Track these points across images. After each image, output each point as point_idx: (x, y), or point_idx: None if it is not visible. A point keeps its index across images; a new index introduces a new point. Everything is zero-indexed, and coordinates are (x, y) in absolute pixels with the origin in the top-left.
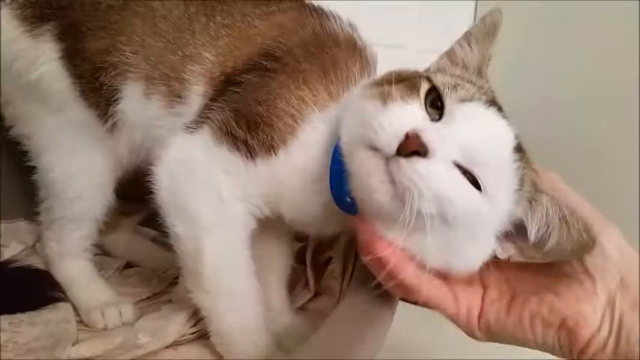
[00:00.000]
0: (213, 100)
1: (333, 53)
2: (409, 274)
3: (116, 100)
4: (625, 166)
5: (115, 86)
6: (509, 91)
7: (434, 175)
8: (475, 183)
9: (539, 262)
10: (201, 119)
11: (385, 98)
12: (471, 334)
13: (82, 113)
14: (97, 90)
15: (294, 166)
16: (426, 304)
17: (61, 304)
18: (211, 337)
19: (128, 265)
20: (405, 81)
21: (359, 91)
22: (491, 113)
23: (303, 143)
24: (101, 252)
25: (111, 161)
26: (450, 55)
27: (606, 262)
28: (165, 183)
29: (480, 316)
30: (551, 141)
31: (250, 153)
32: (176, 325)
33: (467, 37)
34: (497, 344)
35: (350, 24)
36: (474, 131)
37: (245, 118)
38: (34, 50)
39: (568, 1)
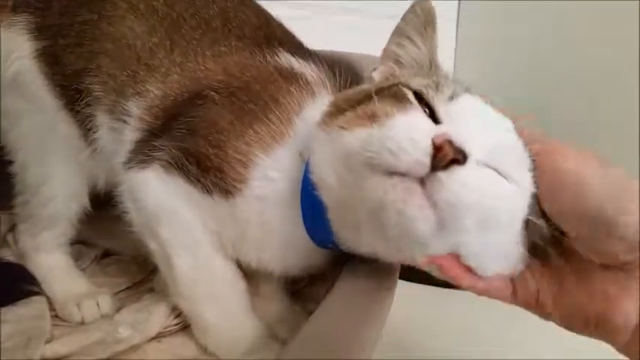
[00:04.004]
0: (154, 134)
1: (272, 89)
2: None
3: (92, 128)
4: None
5: (91, 113)
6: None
7: (481, 181)
8: None
9: None
10: (147, 157)
11: (374, 118)
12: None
13: (64, 124)
14: (78, 112)
15: (254, 216)
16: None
17: (35, 298)
18: (194, 332)
19: (106, 254)
20: (376, 95)
21: (319, 129)
22: (479, 101)
23: (259, 195)
24: (77, 241)
25: (88, 175)
26: (389, 57)
27: None
28: (133, 214)
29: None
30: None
31: (206, 189)
32: (158, 316)
33: (404, 34)
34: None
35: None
36: (482, 124)
37: (195, 158)
38: (7, 42)
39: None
